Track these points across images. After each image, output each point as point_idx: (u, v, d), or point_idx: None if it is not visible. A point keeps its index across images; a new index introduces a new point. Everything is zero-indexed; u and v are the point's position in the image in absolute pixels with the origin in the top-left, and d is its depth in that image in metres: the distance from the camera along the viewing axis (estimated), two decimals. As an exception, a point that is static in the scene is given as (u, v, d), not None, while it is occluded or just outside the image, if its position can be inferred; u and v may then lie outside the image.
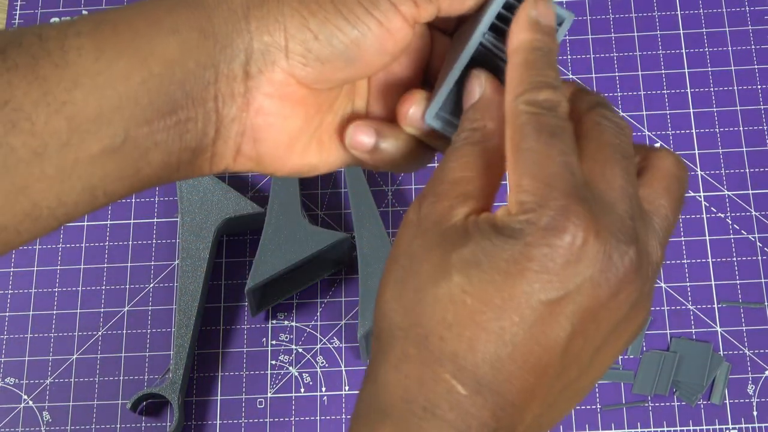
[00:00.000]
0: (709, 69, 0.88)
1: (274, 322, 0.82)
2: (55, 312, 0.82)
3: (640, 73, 0.88)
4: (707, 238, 0.83)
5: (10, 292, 0.83)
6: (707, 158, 0.85)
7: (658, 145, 0.81)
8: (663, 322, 0.80)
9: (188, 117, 0.44)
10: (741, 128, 0.86)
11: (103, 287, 0.83)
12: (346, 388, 0.80)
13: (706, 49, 0.89)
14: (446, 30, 0.50)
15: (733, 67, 0.88)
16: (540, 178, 0.40)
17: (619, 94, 0.88)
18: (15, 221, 0.42)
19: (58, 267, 0.84)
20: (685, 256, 0.82)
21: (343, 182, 0.85)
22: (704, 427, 0.77)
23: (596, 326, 0.41)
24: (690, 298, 0.81)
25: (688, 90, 0.87)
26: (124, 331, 0.82)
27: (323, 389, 0.80)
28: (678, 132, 0.86)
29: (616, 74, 0.88)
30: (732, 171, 0.85)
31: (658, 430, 0.77)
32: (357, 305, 0.82)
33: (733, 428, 0.77)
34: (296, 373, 0.80)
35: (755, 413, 0.78)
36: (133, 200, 0.86)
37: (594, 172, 0.41)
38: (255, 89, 0.45)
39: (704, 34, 0.89)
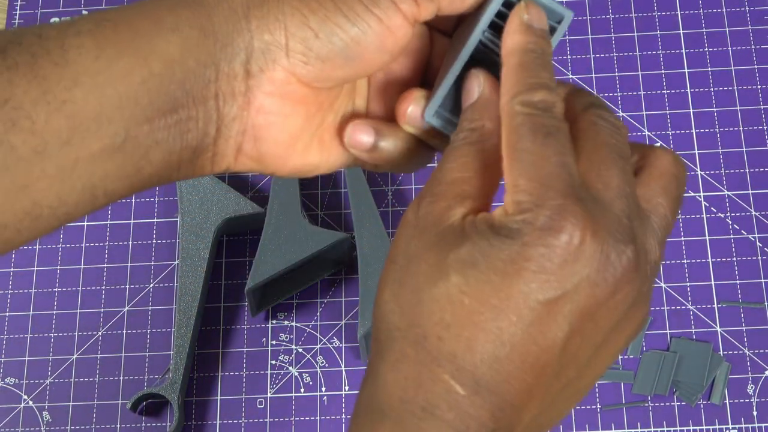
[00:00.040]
0: (709, 69, 0.88)
1: (274, 322, 0.82)
2: (55, 312, 0.82)
3: (640, 73, 0.88)
4: (707, 238, 0.83)
5: (10, 292, 0.83)
6: (707, 158, 0.85)
7: (658, 144, 0.81)
8: (663, 322, 0.80)
9: (189, 116, 0.44)
10: (741, 128, 0.86)
11: (103, 287, 0.83)
12: (346, 388, 0.80)
13: (706, 49, 0.89)
14: (445, 31, 0.50)
15: (733, 67, 0.88)
16: (536, 178, 0.40)
17: (619, 94, 0.88)
18: (15, 220, 0.42)
19: (58, 267, 0.84)
20: (685, 256, 0.82)
21: (343, 182, 0.85)
22: (704, 427, 0.77)
23: (594, 326, 0.41)
24: (690, 298, 0.81)
25: (688, 90, 0.87)
26: (124, 331, 0.82)
27: (323, 389, 0.80)
28: (678, 132, 0.86)
29: (616, 74, 0.88)
30: (732, 171, 0.85)
31: (658, 430, 0.77)
32: (357, 305, 0.82)
33: (733, 428, 0.77)
34: (296, 373, 0.80)
35: (755, 413, 0.78)
36: (133, 200, 0.86)
37: (590, 173, 0.41)
38: (256, 88, 0.45)
39: (704, 34, 0.89)
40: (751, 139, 0.85)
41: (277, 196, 0.81)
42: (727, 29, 0.89)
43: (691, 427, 0.77)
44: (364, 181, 0.82)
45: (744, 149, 0.85)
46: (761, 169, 0.85)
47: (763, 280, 0.81)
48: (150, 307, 0.82)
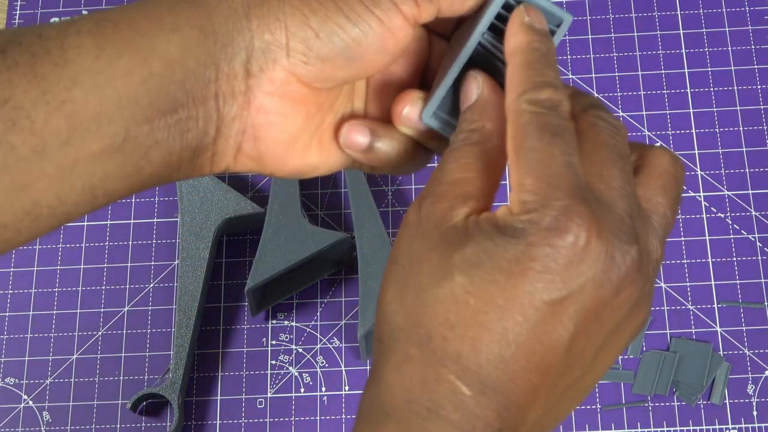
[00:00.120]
0: (709, 69, 0.88)
1: (274, 322, 0.82)
2: (55, 312, 0.82)
3: (640, 73, 0.88)
4: (707, 238, 0.83)
5: (10, 292, 0.83)
6: (707, 158, 0.85)
7: (658, 144, 0.81)
8: (663, 322, 0.80)
9: (189, 116, 0.44)
10: (741, 128, 0.86)
11: (103, 287, 0.83)
12: (346, 388, 0.80)
13: (706, 49, 0.89)
14: (443, 34, 0.51)
15: (733, 67, 0.88)
16: (543, 177, 0.40)
17: (619, 94, 0.88)
18: (15, 220, 0.42)
19: (58, 267, 0.84)
20: (685, 256, 0.82)
21: (343, 182, 0.85)
22: (704, 427, 0.77)
23: (599, 325, 0.41)
24: (690, 298, 0.81)
25: (688, 90, 0.87)
26: (124, 331, 0.82)
27: (323, 389, 0.80)
28: (678, 132, 0.86)
29: (616, 74, 0.88)
30: (732, 171, 0.85)
31: (658, 430, 0.77)
32: (357, 305, 0.82)
33: (733, 428, 0.77)
34: (296, 373, 0.80)
35: (755, 413, 0.78)
36: (133, 200, 0.86)
37: (592, 173, 0.41)
38: (256, 87, 0.45)
39: (704, 34, 0.89)
40: (751, 139, 0.85)
41: (277, 196, 0.81)
42: (727, 29, 0.89)
43: (691, 427, 0.77)
44: (364, 181, 0.82)
45: (744, 149, 0.85)
46: (761, 169, 0.85)
47: (763, 280, 0.81)
48: (150, 307, 0.82)
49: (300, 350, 0.81)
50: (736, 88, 0.87)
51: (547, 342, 0.40)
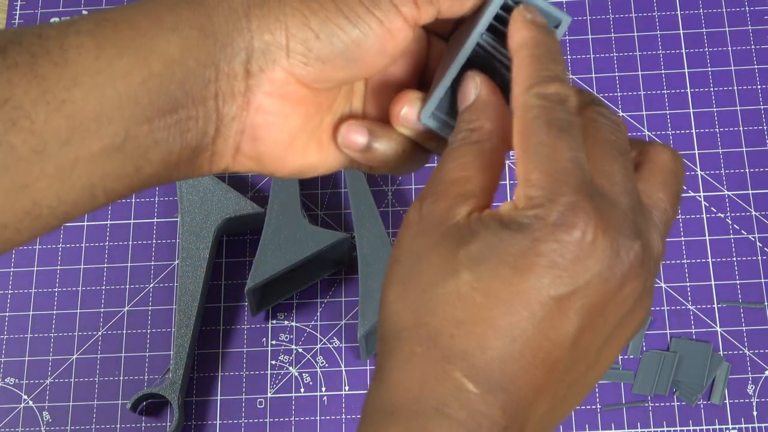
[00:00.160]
0: (709, 69, 0.88)
1: (274, 322, 0.82)
2: (55, 312, 0.82)
3: (640, 73, 0.88)
4: (707, 238, 0.83)
5: (10, 292, 0.83)
6: (707, 158, 0.85)
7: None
8: (663, 322, 0.80)
9: (189, 116, 0.44)
10: (741, 128, 0.86)
11: (103, 287, 0.83)
12: (346, 388, 0.80)
13: (706, 49, 0.89)
14: (442, 34, 0.51)
15: (733, 67, 0.88)
16: (550, 172, 0.40)
17: (619, 94, 0.88)
18: (15, 220, 0.42)
19: (58, 267, 0.84)
20: (685, 256, 0.82)
21: (343, 182, 0.85)
22: (704, 427, 0.77)
23: (603, 320, 0.41)
24: (690, 298, 0.81)
25: (688, 90, 0.87)
26: (124, 331, 0.82)
27: (323, 389, 0.80)
28: (678, 132, 0.86)
29: (616, 74, 0.88)
30: (732, 171, 0.85)
31: (658, 430, 0.77)
32: (357, 305, 0.82)
33: (733, 428, 0.77)
34: (296, 373, 0.80)
35: (755, 413, 0.78)
36: (133, 200, 0.86)
37: (594, 169, 0.42)
38: (255, 88, 0.45)
39: (704, 34, 0.89)
40: (751, 139, 0.85)
41: (277, 196, 0.81)
42: (727, 29, 0.89)
43: (691, 427, 0.77)
44: (364, 181, 0.82)
45: (744, 149, 0.85)
46: (761, 169, 0.85)
47: (763, 280, 0.81)
48: (150, 307, 0.82)
49: (300, 350, 0.81)
50: (736, 88, 0.87)
51: (553, 337, 0.40)
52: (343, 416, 0.79)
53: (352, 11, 0.44)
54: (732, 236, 0.83)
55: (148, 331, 0.82)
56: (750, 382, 0.79)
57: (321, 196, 0.85)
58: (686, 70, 0.88)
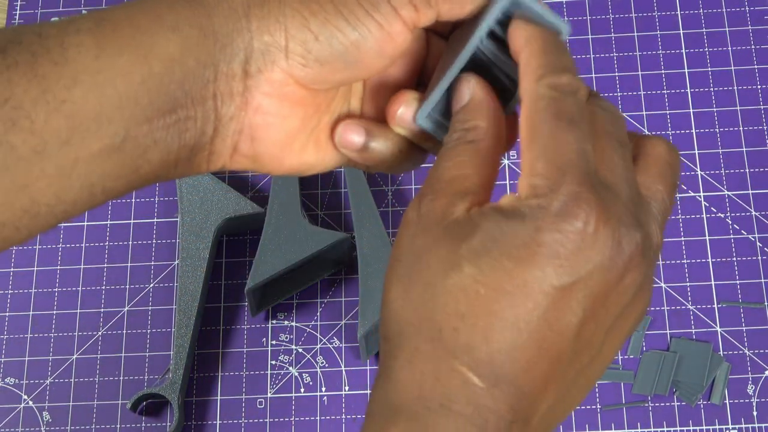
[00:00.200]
0: (709, 69, 0.88)
1: (274, 322, 0.82)
2: (55, 312, 0.82)
3: (640, 73, 0.88)
4: (707, 238, 0.83)
5: (10, 292, 0.83)
6: (707, 158, 0.85)
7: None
8: (663, 322, 0.80)
9: (188, 116, 0.44)
10: (741, 128, 0.86)
11: (103, 287, 0.83)
12: (346, 388, 0.80)
13: (706, 49, 0.89)
14: (442, 33, 0.51)
15: (733, 67, 0.88)
16: (556, 162, 0.40)
17: (619, 94, 0.88)
18: (14, 218, 0.42)
19: (58, 267, 0.84)
20: (685, 256, 0.82)
21: (343, 182, 0.85)
22: (704, 427, 0.77)
23: (605, 311, 0.41)
24: (690, 298, 0.81)
25: (688, 90, 0.87)
26: (124, 331, 0.82)
27: (323, 389, 0.80)
28: (678, 132, 0.86)
29: (616, 74, 0.88)
30: (732, 171, 0.85)
31: (658, 430, 0.77)
32: (357, 305, 0.82)
33: (733, 428, 0.77)
34: (296, 373, 0.80)
35: (755, 413, 0.78)
36: (133, 200, 0.86)
37: (596, 160, 0.42)
38: (254, 88, 0.45)
39: (704, 34, 0.89)
40: (751, 139, 0.85)
41: (277, 196, 0.81)
42: (727, 29, 0.89)
43: (691, 427, 0.77)
44: (364, 181, 0.82)
45: (744, 149, 0.85)
46: (761, 169, 0.85)
47: (763, 280, 0.81)
48: (150, 307, 0.82)
49: (300, 350, 0.81)
50: (736, 88, 0.87)
51: (557, 327, 0.40)
52: (343, 416, 0.79)
53: (352, 14, 0.44)
54: (732, 236, 0.83)
55: (148, 331, 0.82)
56: (750, 382, 0.79)
57: (321, 196, 0.85)
58: (686, 70, 0.88)
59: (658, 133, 0.86)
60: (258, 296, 0.80)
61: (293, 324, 0.82)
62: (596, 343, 0.42)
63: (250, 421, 0.79)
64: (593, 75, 0.88)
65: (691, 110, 0.87)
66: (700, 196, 0.84)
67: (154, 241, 0.84)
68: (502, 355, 0.39)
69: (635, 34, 0.90)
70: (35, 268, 0.84)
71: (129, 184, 0.44)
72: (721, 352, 0.79)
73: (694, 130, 0.86)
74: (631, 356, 0.79)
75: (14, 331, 0.82)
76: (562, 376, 0.41)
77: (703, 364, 0.78)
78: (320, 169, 0.50)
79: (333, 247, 0.80)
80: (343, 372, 0.80)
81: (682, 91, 0.87)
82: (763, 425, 0.77)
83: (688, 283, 0.81)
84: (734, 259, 0.82)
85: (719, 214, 0.83)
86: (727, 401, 0.78)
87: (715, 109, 0.87)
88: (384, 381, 0.41)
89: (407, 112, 0.48)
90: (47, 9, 0.92)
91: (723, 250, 0.82)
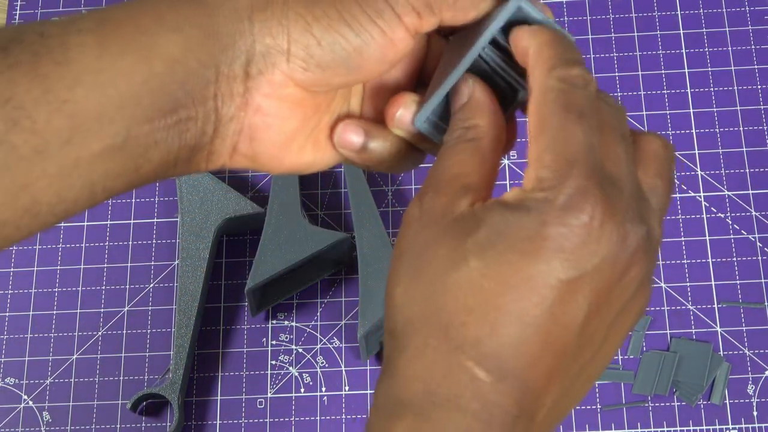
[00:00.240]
0: (709, 69, 0.88)
1: (274, 322, 0.82)
2: (55, 312, 0.82)
3: (640, 73, 0.88)
4: (707, 238, 0.83)
5: (10, 292, 0.83)
6: (707, 158, 0.85)
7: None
8: (663, 322, 0.80)
9: (189, 116, 0.44)
10: (741, 128, 0.86)
11: (103, 287, 0.83)
12: (346, 388, 0.80)
13: (706, 49, 0.89)
14: (443, 33, 0.51)
15: (733, 67, 0.88)
16: (563, 155, 0.40)
17: (619, 94, 0.88)
18: (15, 217, 0.42)
19: (58, 267, 0.84)
20: (685, 256, 0.82)
21: (343, 182, 0.85)
22: (704, 427, 0.77)
23: (609, 306, 0.41)
24: (690, 298, 0.81)
25: (688, 90, 0.87)
26: (124, 331, 0.82)
27: (323, 389, 0.80)
28: (678, 132, 0.86)
29: (616, 74, 0.88)
30: (732, 171, 0.85)
31: (658, 430, 0.77)
32: (357, 305, 0.82)
33: (733, 428, 0.77)
34: (296, 373, 0.80)
35: (755, 413, 0.78)
36: (133, 200, 0.86)
37: (601, 154, 0.42)
38: (254, 89, 0.45)
39: (704, 34, 0.89)
40: (751, 139, 0.86)
41: (277, 196, 0.81)
42: (727, 29, 0.89)
43: (691, 427, 0.77)
44: (364, 181, 0.82)
45: (744, 149, 0.85)
46: (761, 169, 0.85)
47: (763, 280, 0.81)
48: (150, 307, 0.82)
49: (300, 350, 0.81)
50: (736, 88, 0.87)
51: (562, 322, 0.40)
52: (343, 416, 0.79)
53: (355, 19, 0.44)
54: (732, 236, 0.83)
55: (148, 331, 0.82)
56: (750, 382, 0.79)
57: (321, 196, 0.85)
58: (686, 70, 0.88)
59: (658, 133, 0.86)
60: (258, 296, 0.80)
61: (293, 324, 0.82)
62: (599, 339, 0.42)
63: (250, 421, 0.79)
64: (593, 75, 0.88)
65: (691, 110, 0.87)
66: (700, 196, 0.84)
67: (154, 241, 0.84)
68: (508, 349, 0.39)
69: (635, 34, 0.90)
70: (35, 268, 0.84)
71: (129, 182, 0.44)
72: (721, 352, 0.79)
73: (694, 130, 0.86)
74: (631, 356, 0.79)
75: (14, 331, 0.82)
76: (566, 371, 0.41)
77: (703, 364, 0.78)
78: (319, 168, 0.50)
79: (333, 247, 0.80)
80: (343, 372, 0.80)
81: (682, 91, 0.87)
82: (763, 425, 0.77)
83: (688, 283, 0.81)
84: (734, 259, 0.82)
85: (719, 214, 0.83)
86: (727, 401, 0.78)
87: (715, 109, 0.87)
88: (389, 376, 0.41)
89: (406, 115, 0.48)
90: (47, 9, 0.92)
91: (723, 250, 0.82)
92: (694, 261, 0.82)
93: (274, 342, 0.81)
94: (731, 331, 0.80)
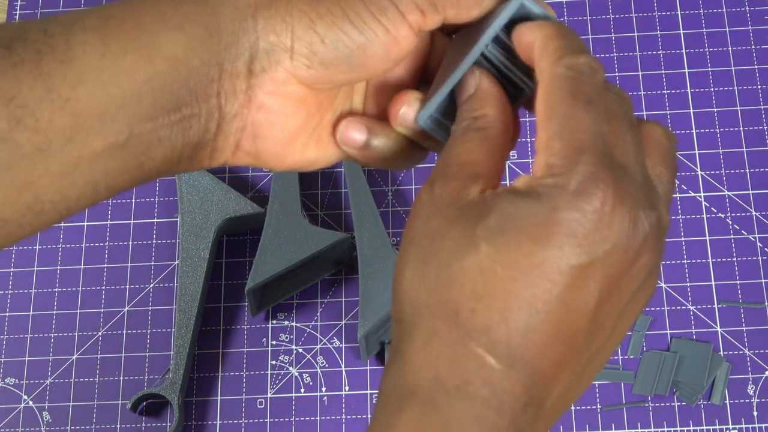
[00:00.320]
0: (709, 69, 0.88)
1: (274, 322, 0.82)
2: (55, 312, 0.82)
3: (640, 73, 0.88)
4: (707, 238, 0.83)
5: (10, 292, 0.83)
6: (707, 158, 0.85)
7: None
8: (663, 322, 0.80)
9: (192, 113, 0.44)
10: (741, 128, 0.86)
11: (103, 287, 0.83)
12: (346, 388, 0.80)
13: (706, 49, 0.89)
14: (447, 30, 0.51)
15: (733, 67, 0.88)
16: (572, 142, 0.40)
17: (619, 94, 0.88)
18: (17, 215, 0.42)
19: (58, 267, 0.84)
20: (685, 256, 0.82)
21: (343, 182, 0.85)
22: (704, 428, 0.77)
23: (619, 293, 0.41)
24: (690, 298, 0.81)
25: (688, 90, 0.88)
26: (124, 331, 0.82)
27: (323, 389, 0.80)
28: (678, 132, 0.86)
29: (616, 74, 0.88)
30: (732, 171, 0.85)
31: (658, 430, 0.77)
32: (357, 305, 0.82)
33: (733, 428, 0.77)
34: (296, 374, 0.80)
35: (755, 413, 0.78)
36: (133, 200, 0.86)
37: (609, 141, 0.42)
38: (257, 87, 0.45)
39: (704, 34, 0.89)
40: (751, 139, 0.86)
41: (277, 196, 0.81)
42: (727, 29, 0.89)
43: (691, 428, 0.77)
44: (364, 181, 0.82)
45: (744, 149, 0.85)
46: (761, 169, 0.85)
47: (763, 280, 0.81)
48: (150, 307, 0.82)
49: (300, 350, 0.81)
50: (736, 88, 0.87)
51: (574, 308, 0.40)
52: (343, 416, 0.78)
53: (359, 17, 0.44)
54: (732, 236, 0.83)
55: (148, 331, 0.81)
56: (750, 382, 0.79)
57: (321, 196, 0.85)
58: (686, 70, 0.88)
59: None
60: (258, 296, 0.80)
61: (293, 324, 0.81)
62: (609, 326, 0.41)
63: (250, 421, 0.79)
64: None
65: (692, 110, 0.87)
66: (700, 196, 0.84)
67: (154, 241, 0.84)
68: (520, 335, 0.39)
69: (635, 34, 0.90)
70: (35, 268, 0.84)
71: (132, 180, 0.44)
72: (722, 352, 0.79)
73: (694, 130, 0.86)
74: (631, 356, 0.79)
75: (14, 331, 0.82)
76: (577, 358, 0.41)
77: (703, 364, 0.78)
78: (322, 165, 0.50)
79: (333, 247, 0.80)
80: (344, 372, 0.80)
81: (683, 91, 0.88)
82: (764, 425, 0.77)
83: (688, 283, 0.81)
84: (734, 259, 0.82)
85: (719, 214, 0.83)
86: (727, 401, 0.78)
87: (715, 109, 0.87)
88: (397, 363, 0.41)
89: (409, 112, 0.48)
90: (47, 9, 0.92)
91: (723, 250, 0.82)
92: (694, 261, 0.82)
93: (274, 342, 0.81)
94: (731, 331, 0.80)
